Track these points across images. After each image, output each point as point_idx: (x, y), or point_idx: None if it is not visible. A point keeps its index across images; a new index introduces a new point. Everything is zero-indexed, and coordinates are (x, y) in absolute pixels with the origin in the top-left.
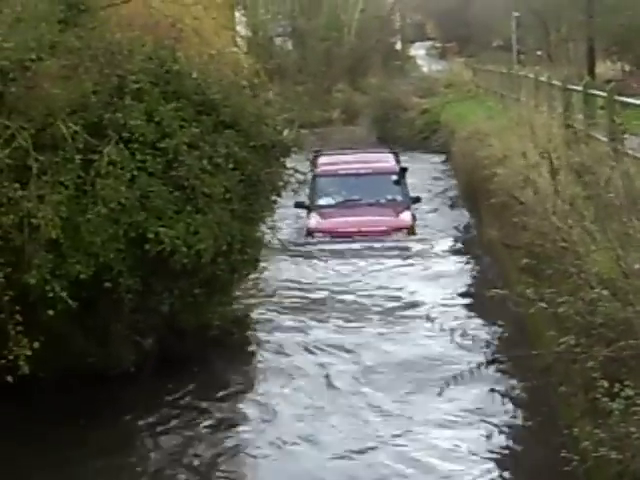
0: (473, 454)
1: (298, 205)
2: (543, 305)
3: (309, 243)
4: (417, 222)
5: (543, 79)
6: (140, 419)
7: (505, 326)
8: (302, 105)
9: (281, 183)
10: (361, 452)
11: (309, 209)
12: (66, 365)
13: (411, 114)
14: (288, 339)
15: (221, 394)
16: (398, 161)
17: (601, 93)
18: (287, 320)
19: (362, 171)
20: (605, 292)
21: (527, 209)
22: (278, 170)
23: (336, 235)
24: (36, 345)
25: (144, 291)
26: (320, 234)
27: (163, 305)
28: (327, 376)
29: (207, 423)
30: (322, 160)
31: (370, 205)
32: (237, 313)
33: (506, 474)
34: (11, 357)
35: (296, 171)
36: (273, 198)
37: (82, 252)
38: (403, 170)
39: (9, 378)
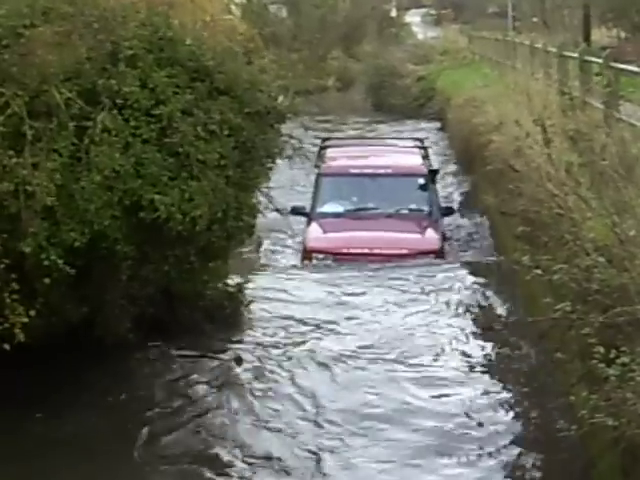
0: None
1: (296, 211)
2: (539, 272)
3: (302, 270)
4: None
5: (539, 46)
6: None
7: (501, 293)
8: (297, 72)
9: (276, 150)
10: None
11: (309, 218)
12: (60, 333)
13: (406, 81)
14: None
15: (209, 363)
16: (426, 156)
17: (597, 60)
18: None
19: (380, 171)
20: (601, 259)
21: (522, 176)
22: (273, 137)
23: (341, 258)
24: (32, 313)
25: (139, 259)
26: (320, 255)
27: (158, 272)
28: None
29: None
30: (330, 154)
31: (388, 217)
32: (230, 289)
33: (501, 442)
34: (7, 325)
35: (291, 137)
36: (268, 165)
37: (77, 220)
38: (433, 172)
39: (6, 346)
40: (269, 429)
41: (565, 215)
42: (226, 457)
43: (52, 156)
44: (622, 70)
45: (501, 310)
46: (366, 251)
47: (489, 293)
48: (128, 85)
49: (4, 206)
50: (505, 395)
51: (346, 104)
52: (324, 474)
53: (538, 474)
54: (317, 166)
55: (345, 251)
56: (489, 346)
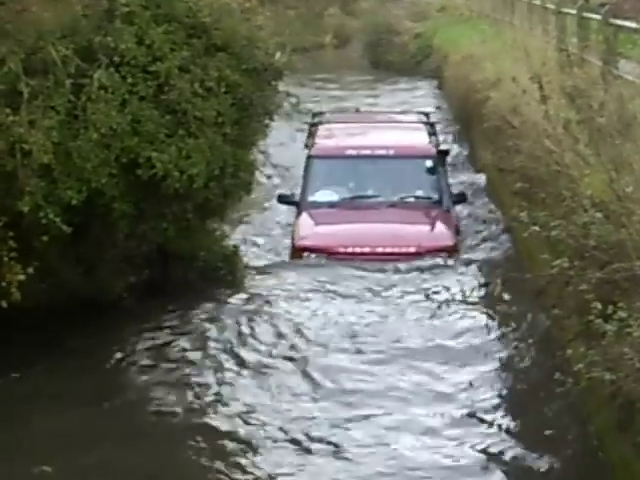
0: (467, 377)
1: (283, 200)
2: (537, 228)
3: (291, 267)
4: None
5: (537, 2)
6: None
7: (497, 250)
8: (294, 29)
9: (273, 107)
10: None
11: (299, 207)
12: (56, 293)
13: (403, 38)
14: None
15: (204, 323)
16: (434, 134)
17: (595, 16)
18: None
19: (381, 152)
20: (598, 215)
21: (520, 133)
22: (270, 94)
23: (336, 258)
24: (29, 271)
25: (136, 216)
26: (312, 255)
27: (155, 230)
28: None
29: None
30: (322, 131)
31: (391, 207)
32: (226, 251)
33: (497, 401)
34: (4, 284)
35: (288, 94)
36: (265, 122)
37: (74, 177)
38: (443, 153)
39: (3, 303)
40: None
41: (563, 172)
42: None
43: (49, 114)
44: (620, 27)
45: (500, 266)
46: (367, 250)
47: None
48: (125, 42)
49: (0, 164)
50: (503, 351)
51: (343, 61)
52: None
53: (536, 430)
54: (307, 146)
55: (342, 250)
56: (488, 302)
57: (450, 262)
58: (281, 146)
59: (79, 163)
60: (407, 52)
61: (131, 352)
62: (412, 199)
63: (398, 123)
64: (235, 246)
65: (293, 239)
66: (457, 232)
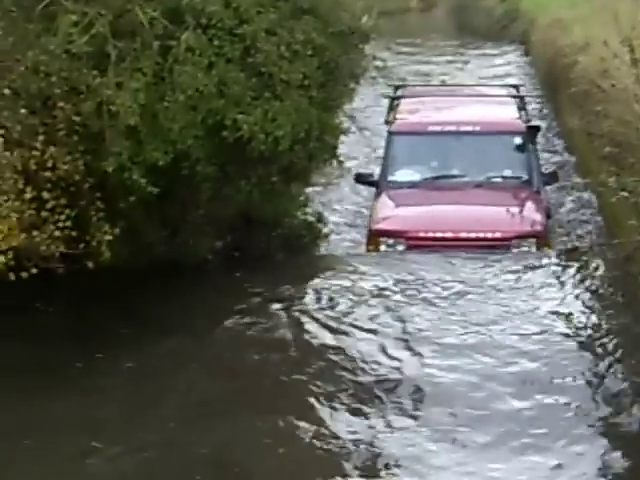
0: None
1: (361, 179)
2: (625, 194)
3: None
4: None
5: None
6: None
7: (585, 215)
8: None
9: (360, 70)
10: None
11: (378, 188)
12: (141, 254)
13: (490, 2)
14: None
15: (286, 290)
16: (524, 108)
17: None
18: None
19: (467, 128)
20: None
21: (609, 97)
22: (356, 57)
23: (417, 243)
24: (116, 232)
25: (221, 179)
26: (390, 240)
27: (240, 193)
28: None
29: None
30: (404, 106)
31: (477, 187)
32: (309, 217)
33: (585, 353)
34: (93, 243)
35: (375, 58)
36: (351, 85)
37: (160, 139)
38: (533, 129)
39: (90, 264)
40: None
41: None
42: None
43: (136, 76)
44: None
45: (585, 232)
46: (449, 235)
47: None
48: (212, 4)
49: (87, 126)
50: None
51: (428, 26)
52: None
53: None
54: (387, 122)
55: (422, 235)
56: (574, 267)
57: (542, 255)
58: (367, 109)
59: (165, 125)
60: (493, 16)
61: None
62: (499, 179)
63: (485, 97)
64: (319, 213)
65: (370, 222)
66: (548, 215)
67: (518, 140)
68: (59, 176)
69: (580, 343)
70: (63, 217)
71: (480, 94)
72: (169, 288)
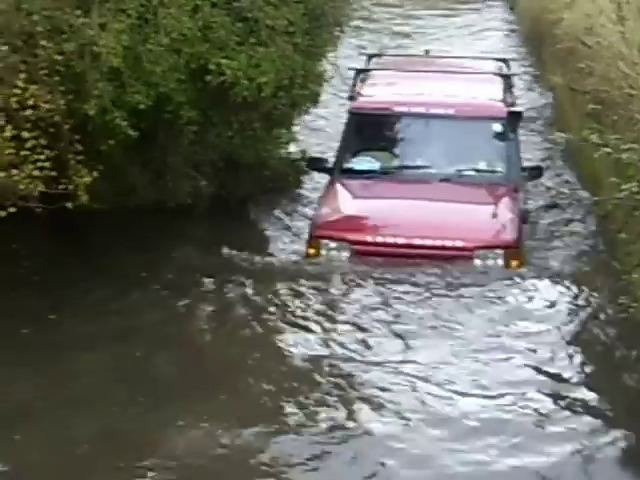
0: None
1: (314, 165)
2: (607, 150)
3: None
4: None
5: None
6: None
7: (564, 171)
8: None
9: (344, 18)
10: None
11: (332, 175)
12: (122, 198)
13: None
14: None
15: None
16: (510, 89)
17: None
18: None
19: (438, 110)
20: None
21: (594, 55)
22: (342, 5)
23: (362, 249)
24: (95, 175)
25: (203, 124)
26: (331, 243)
27: (222, 138)
28: None
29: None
30: (373, 79)
31: (443, 181)
32: (292, 156)
33: (565, 326)
34: (71, 186)
35: (361, 7)
36: (336, 33)
37: (142, 82)
38: (515, 115)
39: (69, 204)
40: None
41: (636, 95)
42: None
43: (120, 17)
44: None
45: (565, 188)
46: (401, 241)
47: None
48: None
49: (70, 66)
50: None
51: None
52: None
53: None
54: (351, 98)
55: (369, 239)
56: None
57: (511, 273)
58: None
59: (148, 67)
60: None
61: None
62: (472, 172)
63: (467, 73)
64: (302, 151)
65: (312, 221)
66: (524, 219)
67: (497, 127)
68: (39, 116)
69: None
70: (43, 157)
71: (463, 69)
72: (146, 233)
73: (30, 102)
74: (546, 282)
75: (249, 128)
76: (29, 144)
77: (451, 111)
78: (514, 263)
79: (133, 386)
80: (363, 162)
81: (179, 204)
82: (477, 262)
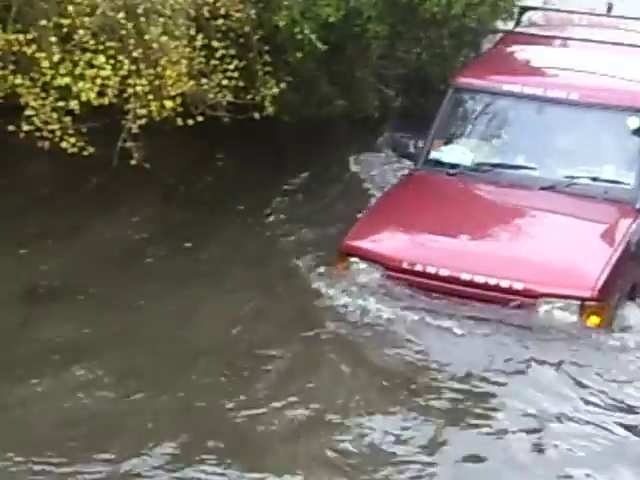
0: None
1: (399, 149)
2: None
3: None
4: None
5: None
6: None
7: None
8: None
9: None
10: None
11: (415, 164)
12: (309, 110)
13: None
14: None
15: None
16: None
17: None
18: None
19: (558, 93)
20: None
21: None
22: None
23: (396, 276)
24: (282, 86)
25: (392, 38)
26: (362, 263)
27: (410, 54)
28: None
29: None
30: (502, 45)
31: (545, 189)
32: None
33: None
34: (258, 97)
35: None
36: None
37: None
38: None
39: (256, 115)
40: None
41: None
42: None
43: None
44: None
45: None
46: (444, 273)
47: None
48: None
49: None
50: None
51: None
52: None
53: None
54: (464, 67)
55: (405, 266)
56: None
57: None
58: None
59: None
60: None
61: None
62: (586, 181)
63: (618, 40)
64: None
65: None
66: (631, 257)
67: (636, 122)
68: (230, 26)
69: None
70: (232, 67)
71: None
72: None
73: (221, 12)
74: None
75: (438, 45)
76: (219, 54)
77: (574, 95)
78: (593, 320)
79: None
80: (454, 153)
81: (366, 117)
82: (541, 313)
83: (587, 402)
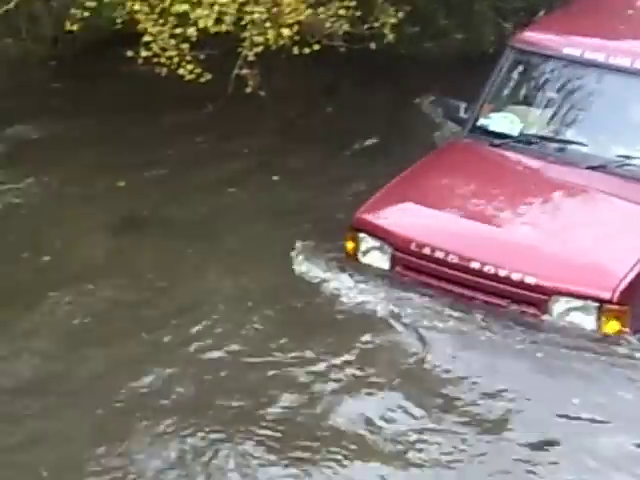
0: None
1: (449, 114)
2: None
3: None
4: None
5: None
6: None
7: None
8: None
9: None
10: None
11: (463, 130)
12: (425, 43)
13: None
14: None
15: None
16: None
17: None
18: None
19: (621, 61)
20: None
21: None
22: None
23: (403, 257)
24: (400, 16)
25: None
26: (371, 240)
27: None
28: None
29: None
30: (578, 4)
31: (592, 169)
32: None
33: None
34: (376, 24)
35: None
36: None
37: None
38: None
39: (372, 45)
40: None
41: None
42: None
43: None
44: None
45: None
46: (452, 259)
47: None
48: None
49: None
50: None
51: None
52: None
53: None
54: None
55: (413, 248)
56: None
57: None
58: None
59: None
60: None
61: None
62: (638, 162)
63: None
64: None
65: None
66: None
67: None
68: None
69: None
70: None
71: None
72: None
73: None
74: None
75: None
76: None
77: (628, 62)
78: (613, 325)
79: None
80: (503, 121)
81: (482, 53)
82: (553, 313)
83: (596, 421)
